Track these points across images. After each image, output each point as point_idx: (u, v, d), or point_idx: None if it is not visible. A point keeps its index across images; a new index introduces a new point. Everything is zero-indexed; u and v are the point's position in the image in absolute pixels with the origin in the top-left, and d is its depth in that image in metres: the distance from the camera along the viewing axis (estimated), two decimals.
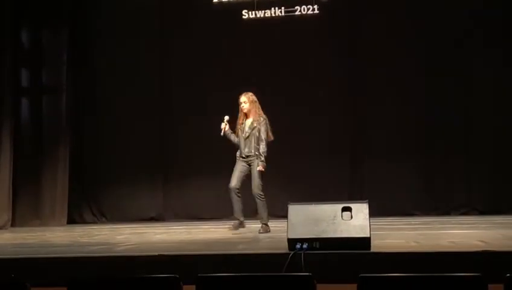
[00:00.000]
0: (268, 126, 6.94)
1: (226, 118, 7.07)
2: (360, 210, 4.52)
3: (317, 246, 4.39)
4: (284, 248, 4.50)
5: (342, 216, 4.52)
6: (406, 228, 6.88)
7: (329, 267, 4.18)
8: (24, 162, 9.42)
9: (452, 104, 8.92)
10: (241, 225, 7.06)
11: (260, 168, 6.79)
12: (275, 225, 6.82)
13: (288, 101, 9.08)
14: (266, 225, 6.87)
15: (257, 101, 7.05)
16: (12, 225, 9.12)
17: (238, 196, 6.94)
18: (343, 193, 8.66)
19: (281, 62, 9.21)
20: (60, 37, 9.73)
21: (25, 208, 9.38)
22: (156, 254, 4.67)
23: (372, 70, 9.11)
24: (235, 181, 6.94)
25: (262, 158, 6.80)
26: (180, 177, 9.46)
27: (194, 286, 3.21)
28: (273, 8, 9.28)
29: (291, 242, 4.46)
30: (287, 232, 4.53)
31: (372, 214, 4.53)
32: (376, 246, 4.53)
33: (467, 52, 8.85)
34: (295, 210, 4.64)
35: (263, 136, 6.87)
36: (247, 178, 6.97)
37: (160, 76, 9.67)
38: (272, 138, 6.99)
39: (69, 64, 9.67)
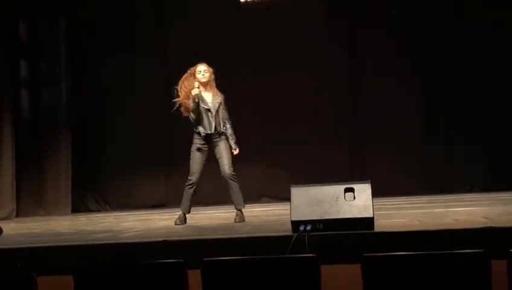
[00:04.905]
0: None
1: (197, 83, 6.17)
2: (363, 190, 4.52)
3: (321, 228, 4.40)
4: (287, 230, 4.51)
5: (344, 197, 4.52)
6: (409, 207, 6.89)
7: (333, 248, 4.19)
8: (27, 153, 9.45)
9: (451, 84, 8.91)
10: (185, 219, 6.28)
11: (237, 151, 6.19)
12: (277, 207, 6.80)
13: (288, 84, 9.06)
14: (241, 212, 6.16)
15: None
16: (17, 215, 9.17)
17: (196, 191, 6.25)
18: (344, 174, 8.64)
19: (280, 45, 9.16)
20: (58, 28, 9.72)
21: (29, 199, 9.42)
22: (161, 239, 4.68)
23: (372, 52, 9.08)
24: (197, 173, 6.17)
25: (235, 139, 6.19)
26: (182, 162, 9.43)
27: (199, 271, 3.23)
28: None
29: (295, 224, 4.47)
30: (290, 214, 4.54)
31: (375, 194, 4.53)
32: (379, 225, 4.55)
33: (468, 30, 8.82)
34: (298, 192, 4.65)
35: (227, 115, 6.24)
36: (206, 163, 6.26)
37: (160, 64, 9.63)
38: None
39: (67, 54, 9.65)
